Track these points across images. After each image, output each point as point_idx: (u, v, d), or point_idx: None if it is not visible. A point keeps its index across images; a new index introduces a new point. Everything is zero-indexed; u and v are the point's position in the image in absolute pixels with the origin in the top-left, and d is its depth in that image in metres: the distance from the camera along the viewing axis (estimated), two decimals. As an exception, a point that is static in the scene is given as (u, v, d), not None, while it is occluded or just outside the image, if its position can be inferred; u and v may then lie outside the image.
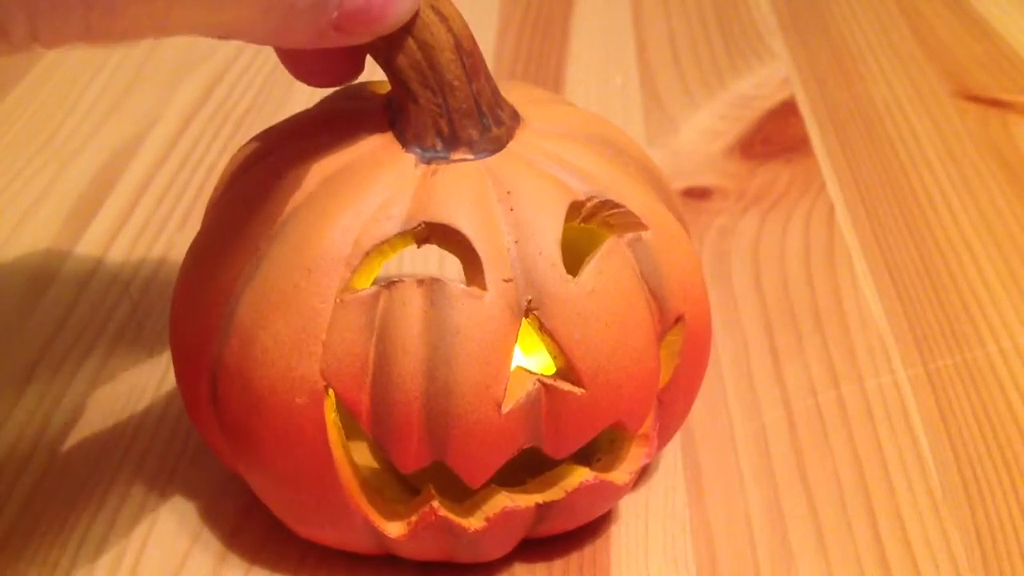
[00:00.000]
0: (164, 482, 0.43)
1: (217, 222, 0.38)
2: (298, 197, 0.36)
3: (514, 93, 0.40)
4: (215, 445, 0.39)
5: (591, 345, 0.35)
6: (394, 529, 0.37)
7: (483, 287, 0.35)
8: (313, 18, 0.31)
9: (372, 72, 0.36)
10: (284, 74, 0.38)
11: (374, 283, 0.35)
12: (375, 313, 0.34)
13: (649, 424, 0.39)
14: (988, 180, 0.61)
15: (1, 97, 0.69)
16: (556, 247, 0.35)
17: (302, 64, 0.37)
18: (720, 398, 0.47)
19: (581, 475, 0.38)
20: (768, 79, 0.72)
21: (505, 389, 0.35)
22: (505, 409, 0.35)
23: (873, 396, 0.47)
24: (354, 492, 0.36)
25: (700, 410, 0.46)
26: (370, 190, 0.36)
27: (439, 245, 0.36)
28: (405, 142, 0.37)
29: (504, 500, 0.37)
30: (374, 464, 0.40)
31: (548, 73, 0.72)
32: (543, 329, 0.35)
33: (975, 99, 0.69)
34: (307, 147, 0.38)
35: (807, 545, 0.40)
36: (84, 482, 0.43)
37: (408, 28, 0.36)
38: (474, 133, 0.37)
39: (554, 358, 0.36)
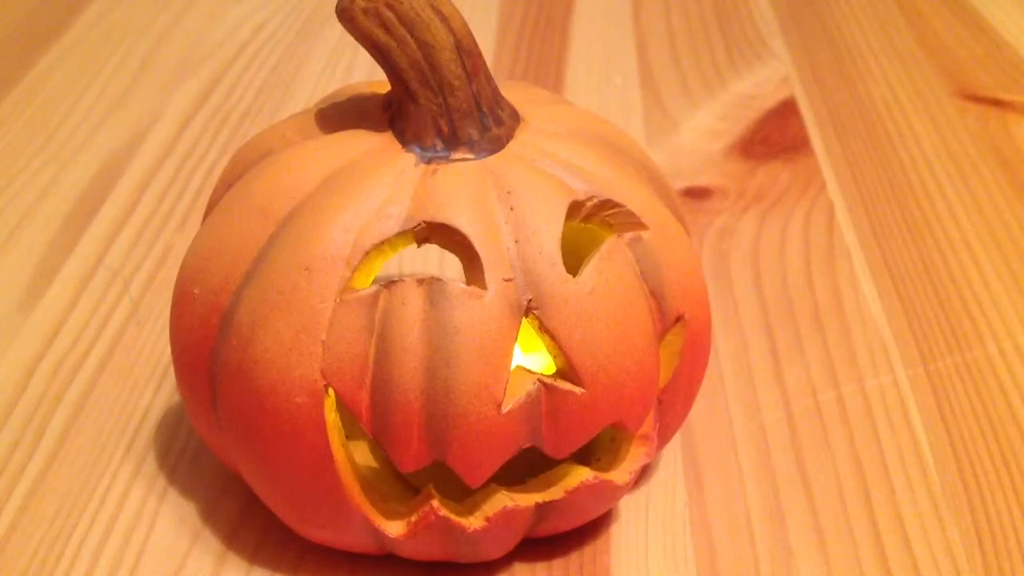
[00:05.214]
0: (164, 482, 0.43)
1: (217, 222, 0.38)
2: (298, 197, 0.36)
3: (514, 93, 0.40)
4: (215, 445, 0.39)
5: (591, 345, 0.35)
6: (394, 529, 0.37)
7: (483, 287, 0.35)
8: None
9: (372, 72, 0.36)
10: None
11: (374, 283, 0.35)
12: (375, 313, 0.34)
13: (649, 424, 0.39)
14: (988, 180, 0.61)
15: (1, 97, 0.69)
16: (556, 247, 0.35)
17: None
18: (720, 398, 0.47)
19: (581, 475, 0.38)
20: (768, 79, 0.72)
21: (505, 389, 0.35)
22: (505, 409, 0.35)
23: (873, 396, 0.47)
24: (354, 492, 0.36)
25: (700, 410, 0.46)
26: (370, 190, 0.36)
27: (439, 245, 0.36)
28: (405, 142, 0.37)
29: (504, 500, 0.37)
30: (374, 464, 0.40)
31: (548, 73, 0.72)
32: (543, 329, 0.35)
33: (975, 99, 0.69)
34: (307, 147, 0.38)
35: (807, 545, 0.40)
36: (84, 482, 0.43)
37: (408, 28, 0.36)
38: (474, 133, 0.37)
39: (554, 358, 0.36)
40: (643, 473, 0.42)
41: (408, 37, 0.36)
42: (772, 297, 0.52)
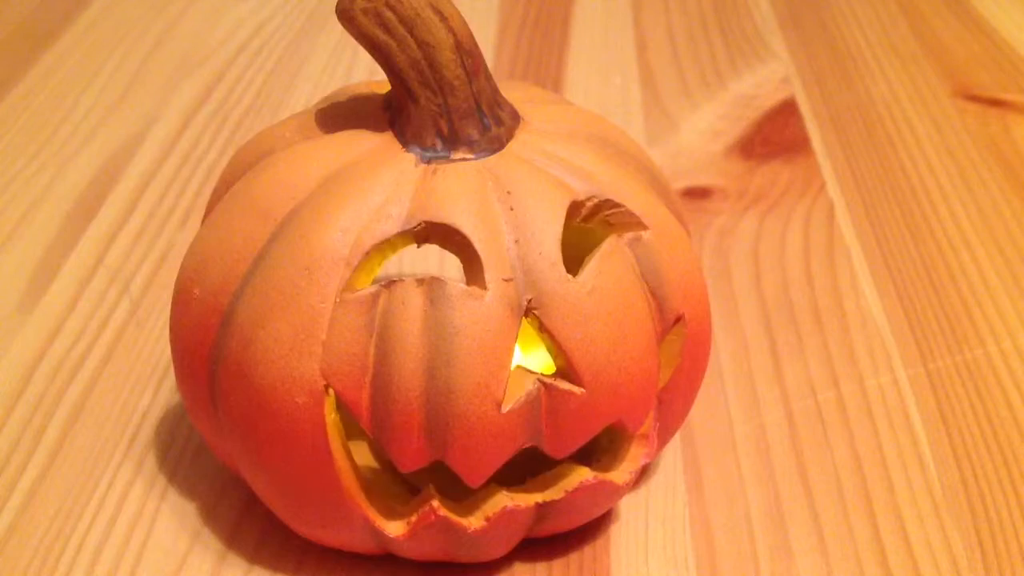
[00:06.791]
0: (164, 482, 0.43)
1: (217, 222, 0.38)
2: (298, 197, 0.36)
3: (514, 93, 0.40)
4: (215, 445, 0.39)
5: (591, 345, 0.35)
6: (394, 529, 0.37)
7: (483, 287, 0.35)
8: None
9: (372, 72, 0.36)
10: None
11: (374, 283, 0.35)
12: (375, 313, 0.34)
13: (649, 424, 0.39)
14: (988, 180, 0.61)
15: (1, 97, 0.69)
16: (556, 247, 0.35)
17: None
18: (720, 398, 0.47)
19: (581, 475, 0.38)
20: (768, 79, 0.72)
21: (505, 388, 0.35)
22: (505, 408, 0.35)
23: (873, 396, 0.47)
24: (354, 492, 0.36)
25: (700, 410, 0.46)
26: (370, 190, 0.36)
27: (439, 245, 0.36)
28: (405, 142, 0.37)
29: (504, 499, 0.37)
30: (374, 464, 0.40)
31: (548, 73, 0.72)
32: (543, 329, 0.35)
33: (975, 99, 0.69)
34: (307, 147, 0.38)
35: (807, 545, 0.40)
36: (84, 482, 0.43)
37: (408, 28, 0.36)
38: (474, 133, 0.37)
39: (554, 357, 0.36)
40: (643, 473, 0.42)
41: (408, 37, 0.36)
42: (772, 297, 0.52)
